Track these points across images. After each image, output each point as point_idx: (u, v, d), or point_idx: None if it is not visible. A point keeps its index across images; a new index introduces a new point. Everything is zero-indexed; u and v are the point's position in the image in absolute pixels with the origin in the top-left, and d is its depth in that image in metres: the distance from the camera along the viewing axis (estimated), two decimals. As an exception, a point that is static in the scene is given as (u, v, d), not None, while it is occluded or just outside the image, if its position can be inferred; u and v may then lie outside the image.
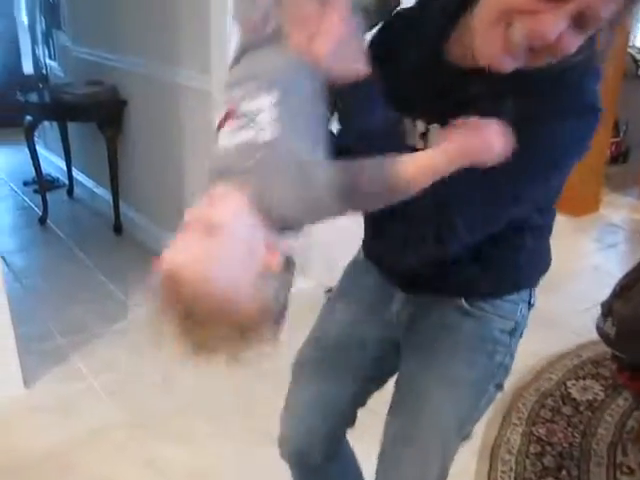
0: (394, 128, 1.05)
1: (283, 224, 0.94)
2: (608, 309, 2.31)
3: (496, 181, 0.98)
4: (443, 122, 0.99)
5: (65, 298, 3.40)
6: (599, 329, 2.33)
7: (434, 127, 1.08)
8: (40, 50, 5.25)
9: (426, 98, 1.10)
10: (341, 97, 1.00)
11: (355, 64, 0.98)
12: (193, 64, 3.18)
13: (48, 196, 4.46)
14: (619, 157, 5.84)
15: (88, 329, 3.11)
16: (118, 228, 4.19)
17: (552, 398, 2.74)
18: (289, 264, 0.95)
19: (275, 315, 0.93)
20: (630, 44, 5.69)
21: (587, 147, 1.04)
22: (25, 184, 5.13)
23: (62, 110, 4.11)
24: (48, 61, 5.15)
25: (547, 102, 0.99)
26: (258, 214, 0.92)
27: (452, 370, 1.29)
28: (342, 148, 0.98)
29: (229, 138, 0.95)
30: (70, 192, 4.93)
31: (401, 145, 1.04)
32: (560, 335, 3.21)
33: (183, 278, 0.88)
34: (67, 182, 4.95)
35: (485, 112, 0.92)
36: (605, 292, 2.57)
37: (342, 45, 0.95)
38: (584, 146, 1.04)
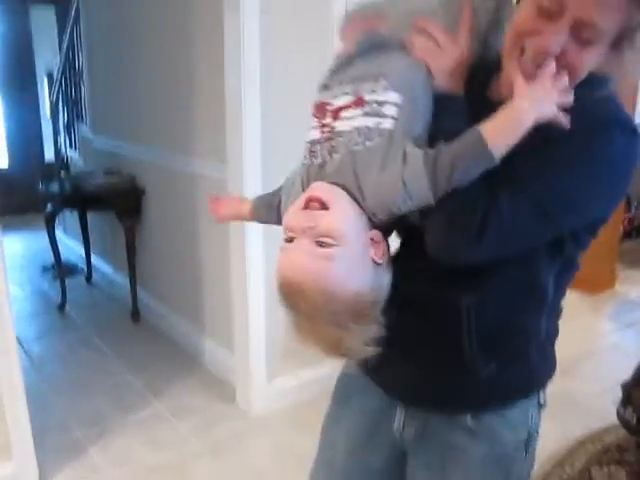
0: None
1: (376, 213, 1.05)
2: (628, 396, 2.29)
3: (549, 189, 1.03)
4: None
5: (82, 387, 3.41)
6: (620, 416, 2.31)
7: None
8: (62, 140, 5.41)
9: None
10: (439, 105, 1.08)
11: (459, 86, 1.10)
12: (209, 154, 3.27)
13: (67, 282, 4.53)
14: (632, 232, 5.85)
15: (105, 420, 3.10)
16: (136, 315, 4.22)
17: (577, 487, 2.68)
18: (386, 250, 1.08)
19: (382, 298, 1.05)
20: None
21: (635, 164, 1.08)
22: (44, 270, 5.21)
23: (82, 200, 4.23)
24: (69, 151, 5.30)
25: (588, 121, 1.03)
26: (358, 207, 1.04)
27: None
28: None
29: (349, 122, 1.06)
30: (89, 278, 5.00)
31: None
32: (581, 419, 3.16)
33: (308, 291, 1.00)
34: (86, 268, 5.02)
35: (531, 143, 0.98)
36: (625, 373, 2.54)
37: (458, 66, 1.09)
38: (633, 163, 1.08)
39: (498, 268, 1.10)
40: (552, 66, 0.99)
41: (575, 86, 1.03)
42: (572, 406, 3.26)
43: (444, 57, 1.08)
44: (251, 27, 2.74)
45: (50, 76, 5.82)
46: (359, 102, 1.06)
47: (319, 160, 1.08)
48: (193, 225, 3.56)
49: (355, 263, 1.03)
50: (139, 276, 4.17)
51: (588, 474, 2.76)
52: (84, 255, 4.99)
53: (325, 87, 1.13)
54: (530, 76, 1.01)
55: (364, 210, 1.05)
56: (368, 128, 1.03)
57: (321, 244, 1.01)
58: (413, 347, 1.20)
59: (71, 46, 5.30)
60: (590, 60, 1.03)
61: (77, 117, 5.22)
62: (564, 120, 0.98)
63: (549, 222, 1.05)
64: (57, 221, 4.63)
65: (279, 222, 1.16)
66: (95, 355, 3.79)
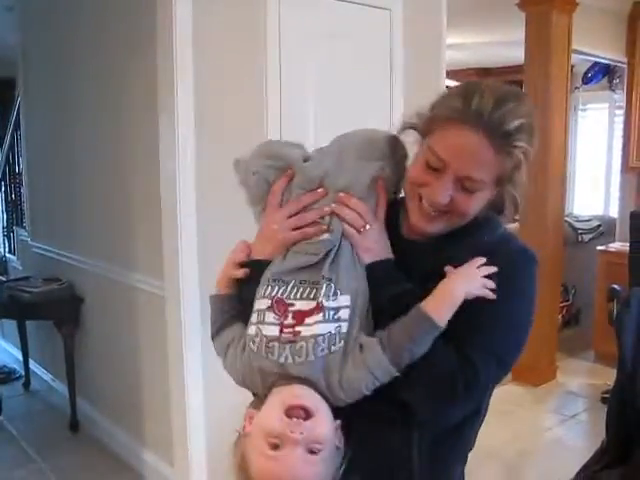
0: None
1: (345, 400, 1.15)
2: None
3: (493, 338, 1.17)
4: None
5: (17, 509, 3.26)
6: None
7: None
8: (0, 243, 5.35)
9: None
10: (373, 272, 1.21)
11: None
12: (147, 270, 3.27)
13: (3, 388, 4.40)
14: (571, 320, 5.99)
15: None
16: (75, 425, 4.08)
17: None
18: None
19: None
20: (567, 213, 6.01)
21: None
22: (-21, 376, 5.04)
23: (19, 309, 4.13)
24: (7, 254, 5.22)
25: (512, 264, 1.21)
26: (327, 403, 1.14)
27: None
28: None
29: (311, 328, 1.15)
30: (27, 385, 4.83)
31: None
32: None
33: None
34: (24, 374, 4.87)
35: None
36: (570, 469, 2.56)
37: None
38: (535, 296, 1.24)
39: None
40: (479, 259, 1.17)
41: (479, 231, 1.22)
42: (518, 508, 3.25)
43: (368, 239, 1.22)
44: (187, 141, 2.80)
45: (-10, 177, 5.78)
46: (318, 309, 1.16)
47: (281, 359, 1.15)
48: (132, 335, 3.52)
49: (331, 457, 1.12)
50: (78, 385, 4.06)
51: None
52: (22, 361, 4.85)
53: (281, 282, 1.21)
54: (430, 218, 1.20)
55: (331, 404, 1.15)
56: (330, 334, 1.14)
57: (312, 451, 1.09)
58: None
59: (11, 149, 5.31)
60: (478, 203, 1.18)
61: (16, 221, 5.18)
62: (489, 295, 1.15)
63: (505, 368, 1.21)
64: (-6, 326, 4.53)
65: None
66: (30, 472, 3.62)
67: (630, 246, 4.62)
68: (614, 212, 6.04)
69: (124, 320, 3.58)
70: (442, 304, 1.14)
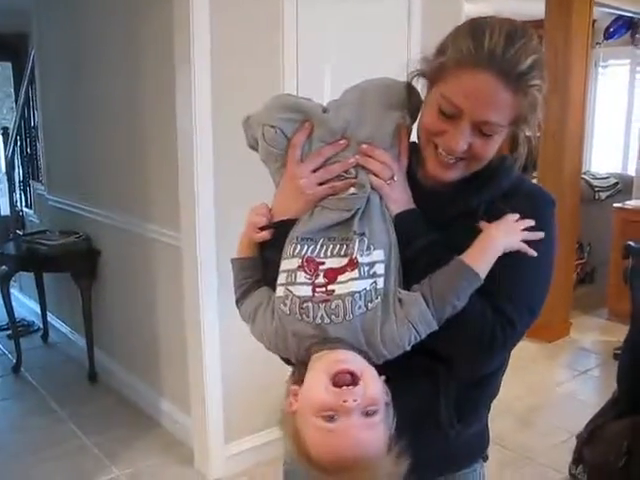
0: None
1: (387, 356, 1.13)
2: (578, 455, 2.33)
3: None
4: None
5: (36, 455, 3.34)
6: (572, 475, 2.35)
7: None
8: (17, 197, 5.38)
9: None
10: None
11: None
12: (164, 221, 3.29)
13: (22, 341, 4.46)
14: (586, 278, 5.98)
15: (60, 489, 3.05)
16: (93, 376, 4.16)
17: None
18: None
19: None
20: (584, 171, 5.96)
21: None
22: (-1, 329, 5.12)
23: (37, 261, 4.20)
24: (25, 208, 5.26)
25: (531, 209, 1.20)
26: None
27: None
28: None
29: (345, 285, 1.11)
30: (45, 337, 4.93)
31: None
32: (538, 472, 3.19)
33: (361, 462, 1.04)
34: (42, 327, 4.95)
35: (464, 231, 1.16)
36: (581, 422, 2.58)
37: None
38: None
39: None
40: (515, 215, 1.16)
41: (496, 176, 1.20)
42: (530, 459, 3.29)
43: (396, 190, 1.20)
44: (202, 89, 2.79)
45: (5, 131, 5.79)
46: (352, 265, 1.12)
47: (317, 320, 1.11)
48: (149, 287, 3.56)
49: (385, 414, 1.09)
50: (96, 337, 4.13)
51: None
52: (40, 314, 4.93)
53: (309, 240, 1.16)
54: (447, 166, 1.17)
55: (371, 361, 1.12)
56: (366, 290, 1.11)
57: (367, 413, 1.05)
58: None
59: (26, 103, 5.31)
60: (495, 145, 1.16)
61: (32, 175, 5.21)
62: (529, 251, 1.15)
63: (536, 316, 1.20)
64: (13, 280, 4.58)
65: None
66: (50, 420, 3.71)
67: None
68: (632, 170, 5.98)
69: (141, 272, 3.61)
70: (483, 257, 1.13)
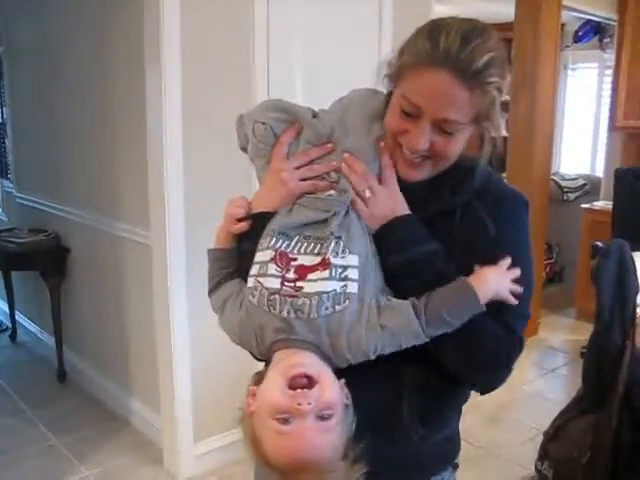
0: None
1: (350, 360, 1.13)
2: (544, 451, 2.36)
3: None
4: None
5: (5, 455, 3.30)
6: (538, 471, 2.38)
7: None
8: (-16, 195, 5.31)
9: None
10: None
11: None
12: (133, 219, 3.28)
13: (-10, 341, 4.41)
14: (554, 277, 6.06)
15: (28, 490, 3.02)
16: (62, 375, 4.13)
17: (500, 539, 2.73)
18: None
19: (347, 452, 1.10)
20: (553, 171, 6.04)
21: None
22: (-34, 329, 5.06)
23: (5, 260, 4.14)
24: (-8, 206, 5.20)
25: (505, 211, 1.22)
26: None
27: None
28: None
29: (315, 284, 1.11)
30: (13, 337, 4.86)
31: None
32: (505, 469, 3.24)
33: (315, 464, 1.05)
34: (10, 326, 4.89)
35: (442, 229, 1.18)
36: (548, 419, 2.62)
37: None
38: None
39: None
40: (505, 263, 1.15)
41: (468, 177, 1.20)
42: (496, 456, 3.33)
43: (378, 204, 1.19)
44: (172, 87, 2.79)
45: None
46: (324, 264, 1.12)
47: (283, 314, 1.11)
48: (119, 285, 3.54)
49: (343, 417, 1.09)
50: (65, 336, 4.09)
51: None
52: (9, 313, 4.87)
53: (285, 235, 1.17)
54: (414, 165, 1.18)
55: (332, 364, 1.13)
56: (335, 292, 1.11)
57: (322, 417, 1.05)
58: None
59: (-6, 100, 5.24)
60: (458, 143, 1.17)
61: (0, 172, 5.15)
62: (512, 301, 1.15)
63: (528, 319, 1.24)
64: (-20, 279, 4.53)
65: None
66: (19, 420, 3.67)
67: (614, 202, 4.66)
68: (600, 172, 6.06)
69: (110, 270, 3.59)
70: (484, 288, 1.12)
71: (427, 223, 1.18)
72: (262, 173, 1.29)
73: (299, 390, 1.05)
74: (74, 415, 3.69)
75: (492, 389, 1.22)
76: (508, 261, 1.15)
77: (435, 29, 1.11)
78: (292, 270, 1.13)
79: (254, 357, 1.25)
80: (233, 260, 1.26)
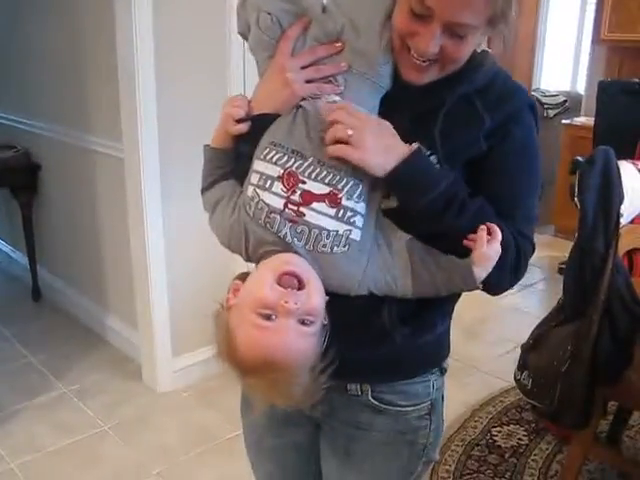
0: None
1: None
2: (523, 361, 2.36)
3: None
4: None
5: (-21, 373, 3.28)
6: (517, 381, 2.38)
7: None
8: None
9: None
10: None
11: None
12: (105, 132, 3.17)
13: (-38, 261, 4.34)
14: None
15: (5, 407, 2.99)
16: (36, 293, 4.08)
17: (478, 448, 2.78)
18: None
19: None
20: (534, 88, 5.95)
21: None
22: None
23: (-27, 176, 4.02)
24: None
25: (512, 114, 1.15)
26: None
27: (373, 470, 1.31)
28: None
29: (318, 216, 1.08)
30: (-15, 256, 4.79)
31: None
32: (483, 381, 3.28)
33: (288, 366, 1.05)
34: (-18, 246, 4.81)
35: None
36: (525, 333, 2.63)
37: None
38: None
39: None
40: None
41: (474, 74, 1.13)
42: (474, 369, 3.37)
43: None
44: (143, 2, 2.65)
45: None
46: (333, 201, 1.08)
47: (280, 234, 1.09)
48: (92, 201, 3.46)
49: (319, 331, 1.09)
50: (39, 253, 4.03)
51: (489, 434, 2.87)
52: (-20, 232, 4.78)
53: (298, 154, 1.10)
54: (420, 69, 1.10)
55: None
56: (337, 234, 1.08)
57: (304, 322, 1.05)
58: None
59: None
60: (470, 46, 1.09)
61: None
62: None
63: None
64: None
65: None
66: (-7, 338, 3.65)
67: (596, 115, 4.61)
68: (581, 89, 5.99)
69: (83, 185, 3.50)
70: (486, 270, 1.09)
71: (424, 115, 1.12)
72: (263, 67, 1.20)
73: (289, 289, 1.04)
74: (50, 332, 3.67)
75: (504, 291, 1.21)
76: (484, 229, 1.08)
77: None
78: (298, 193, 1.08)
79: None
80: (230, 161, 1.21)
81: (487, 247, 1.07)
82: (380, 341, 1.21)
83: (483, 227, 1.07)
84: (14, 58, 3.96)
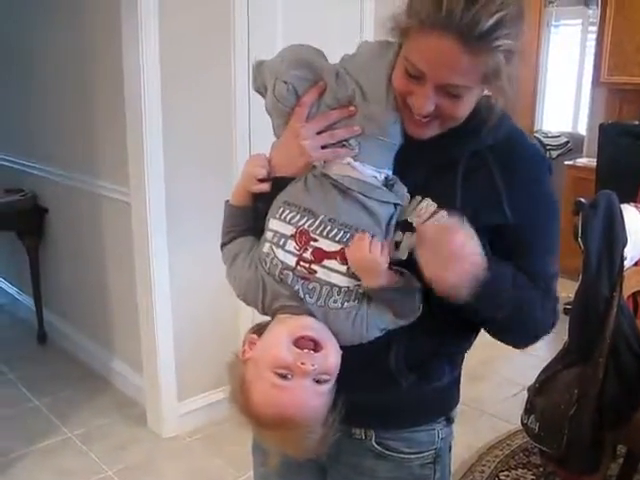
0: None
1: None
2: (530, 405, 2.35)
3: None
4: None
5: (-15, 417, 3.26)
6: (524, 425, 2.37)
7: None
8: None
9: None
10: None
11: None
12: (111, 176, 3.21)
13: (-32, 305, 4.34)
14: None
15: (10, 451, 2.98)
16: (42, 337, 4.08)
17: (485, 493, 2.75)
18: None
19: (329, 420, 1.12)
20: (536, 129, 6.01)
21: None
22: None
23: (-19, 220, 4.05)
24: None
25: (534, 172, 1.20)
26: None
27: None
28: None
29: (329, 273, 1.12)
30: (-8, 300, 4.80)
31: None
32: (491, 424, 3.25)
33: (301, 422, 1.09)
34: (-12, 289, 4.83)
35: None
36: (532, 374, 2.62)
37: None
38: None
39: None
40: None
41: (483, 128, 1.14)
42: (482, 411, 3.35)
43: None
44: (150, 41, 2.70)
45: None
46: (344, 258, 1.12)
47: (294, 289, 1.13)
48: (98, 244, 3.48)
49: (332, 389, 1.13)
50: (45, 297, 4.04)
51: (497, 479, 2.84)
52: (-14, 276, 4.80)
53: (310, 212, 1.14)
54: (422, 125, 1.13)
55: None
56: (348, 289, 1.12)
57: (319, 381, 1.09)
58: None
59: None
60: (467, 104, 1.11)
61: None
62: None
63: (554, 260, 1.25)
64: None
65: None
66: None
67: (597, 157, 4.64)
68: (582, 130, 6.04)
69: (89, 229, 3.53)
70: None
71: (431, 174, 1.16)
72: (279, 131, 1.24)
73: (306, 350, 1.08)
74: (55, 376, 3.66)
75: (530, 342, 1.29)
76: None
77: None
78: (310, 250, 1.12)
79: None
80: (248, 218, 1.25)
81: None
82: (385, 386, 1.23)
83: (362, 235, 1.10)
84: (22, 102, 4.02)
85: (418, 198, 1.16)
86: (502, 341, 1.24)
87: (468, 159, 1.15)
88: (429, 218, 1.13)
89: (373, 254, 1.08)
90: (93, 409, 3.34)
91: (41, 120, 3.84)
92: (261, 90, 1.26)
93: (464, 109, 1.12)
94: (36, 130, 3.92)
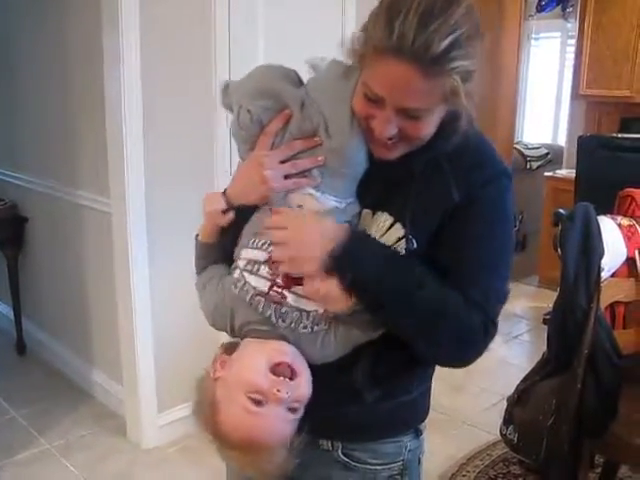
0: None
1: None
2: (509, 416, 2.37)
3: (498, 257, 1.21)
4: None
5: (-39, 429, 3.23)
6: (503, 436, 2.39)
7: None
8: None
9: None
10: None
11: None
12: (92, 186, 3.20)
13: (-54, 314, 4.30)
14: (517, 246, 6.09)
15: (-13, 464, 2.95)
16: (21, 347, 4.04)
17: (465, 503, 2.76)
18: None
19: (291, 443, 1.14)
20: (516, 141, 6.06)
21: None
22: None
23: (-41, 229, 4.01)
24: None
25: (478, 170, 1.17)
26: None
27: None
28: None
29: (298, 299, 1.13)
30: (-30, 309, 4.75)
31: None
32: (471, 435, 3.26)
33: (269, 447, 1.10)
34: (-33, 299, 4.78)
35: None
36: (511, 385, 2.64)
37: None
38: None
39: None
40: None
41: (445, 141, 1.13)
42: (462, 423, 3.35)
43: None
44: (131, 53, 2.70)
45: None
46: (297, 281, 1.13)
47: (265, 315, 1.14)
48: (78, 254, 3.46)
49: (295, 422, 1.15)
50: (24, 307, 4.00)
51: (477, 489, 2.85)
52: (-35, 285, 4.74)
53: None
54: (387, 147, 1.13)
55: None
56: (317, 313, 1.14)
57: (290, 409, 1.11)
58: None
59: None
60: (429, 125, 1.11)
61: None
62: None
63: (504, 302, 1.23)
64: None
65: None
66: (-23, 394, 3.60)
67: (576, 169, 4.69)
68: (562, 141, 6.10)
69: (70, 239, 3.51)
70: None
71: (390, 188, 1.16)
72: (244, 154, 1.25)
73: (282, 378, 1.09)
74: (34, 387, 3.62)
75: (457, 362, 1.23)
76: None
77: (394, 7, 1.01)
78: (281, 277, 1.14)
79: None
80: (216, 251, 1.28)
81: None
82: (351, 401, 1.23)
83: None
84: (2, 111, 4.00)
85: (378, 213, 1.17)
86: (426, 354, 1.20)
87: (424, 167, 1.15)
88: (385, 233, 1.15)
89: (326, 285, 1.10)
90: (72, 420, 3.31)
91: (22, 130, 3.83)
92: (227, 107, 1.27)
93: (428, 129, 1.11)
94: (16, 140, 3.91)
